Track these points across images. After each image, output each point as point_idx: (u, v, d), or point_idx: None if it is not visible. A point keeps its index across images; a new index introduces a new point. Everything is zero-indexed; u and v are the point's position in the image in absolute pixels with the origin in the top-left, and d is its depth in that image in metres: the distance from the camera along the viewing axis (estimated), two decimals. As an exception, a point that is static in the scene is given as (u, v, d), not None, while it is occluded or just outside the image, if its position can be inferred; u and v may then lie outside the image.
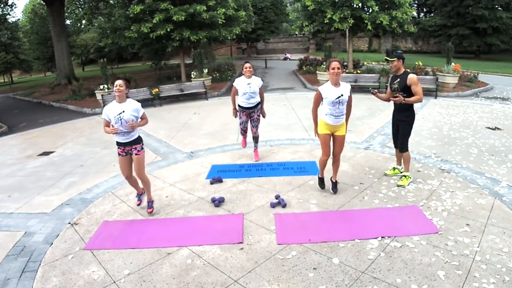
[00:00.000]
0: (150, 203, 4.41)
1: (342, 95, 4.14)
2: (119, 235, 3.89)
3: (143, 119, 4.21)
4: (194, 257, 3.41)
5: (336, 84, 4.18)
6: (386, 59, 4.60)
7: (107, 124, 4.11)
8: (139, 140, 4.23)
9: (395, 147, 4.98)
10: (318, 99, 4.28)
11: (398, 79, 4.51)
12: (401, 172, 4.96)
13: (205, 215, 4.26)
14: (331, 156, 4.54)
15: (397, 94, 4.52)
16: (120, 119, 3.99)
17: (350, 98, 4.29)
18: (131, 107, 4.07)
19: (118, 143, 4.17)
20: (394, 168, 5.12)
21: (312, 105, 4.38)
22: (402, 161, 4.90)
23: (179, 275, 3.16)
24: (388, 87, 4.80)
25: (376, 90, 4.62)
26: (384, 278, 2.95)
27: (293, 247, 3.46)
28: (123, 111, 4.00)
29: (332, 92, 4.15)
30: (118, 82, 4.01)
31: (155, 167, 6.08)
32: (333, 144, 4.45)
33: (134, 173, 4.38)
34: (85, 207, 4.69)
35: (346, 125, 4.46)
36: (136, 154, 4.19)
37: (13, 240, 3.94)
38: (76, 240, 3.86)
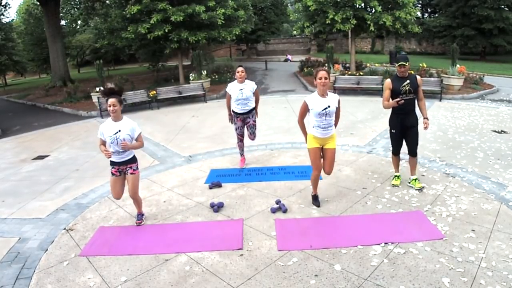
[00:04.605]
0: (140, 215, 4.27)
1: (329, 106, 3.99)
2: (116, 241, 3.82)
3: (138, 142, 4.00)
4: (193, 263, 3.36)
5: (323, 94, 4.03)
6: (403, 64, 4.38)
7: (103, 143, 3.96)
8: (134, 160, 4.06)
9: (396, 154, 4.84)
10: (304, 110, 4.14)
11: (408, 81, 4.44)
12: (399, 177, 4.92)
13: (204, 221, 4.19)
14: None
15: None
16: (116, 139, 3.83)
17: (338, 110, 4.15)
18: (127, 127, 3.89)
19: (113, 163, 3.99)
20: (398, 177, 4.91)
21: (298, 116, 4.26)
22: (399, 166, 4.98)
23: (177, 282, 3.11)
24: (386, 91, 4.52)
25: (403, 101, 4.36)
26: (388, 285, 2.90)
27: (294, 253, 3.41)
28: (119, 131, 3.83)
29: (319, 103, 4.00)
30: (111, 101, 3.74)
31: (152, 171, 6.00)
32: (324, 160, 4.28)
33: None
34: (80, 213, 4.61)
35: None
36: (131, 174, 4.03)
37: (6, 246, 3.87)
38: (72, 246, 3.79)
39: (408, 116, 4.58)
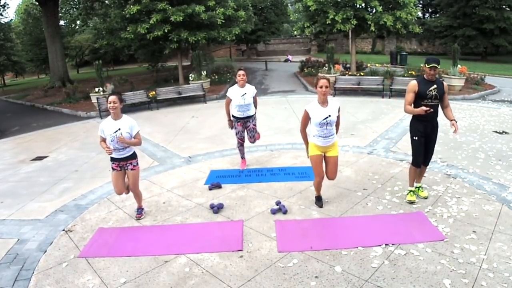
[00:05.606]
0: (140, 210, 4.44)
1: (329, 115, 3.97)
2: (115, 243, 3.81)
3: (136, 139, 4.11)
4: (192, 265, 3.35)
5: (324, 103, 4.02)
6: (435, 66, 3.93)
7: (103, 140, 4.08)
8: (134, 156, 4.20)
9: (418, 165, 4.32)
10: (306, 119, 4.12)
11: (435, 85, 4.03)
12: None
13: (203, 222, 4.18)
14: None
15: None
16: (116, 137, 3.94)
17: (338, 118, 4.13)
18: (126, 125, 4.01)
19: (113, 159, 4.12)
20: (414, 192, 4.46)
21: (300, 126, 4.24)
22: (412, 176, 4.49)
23: (176, 283, 3.10)
24: (410, 94, 4.09)
25: (431, 110, 4.02)
26: (388, 287, 2.89)
27: (294, 255, 3.40)
28: (119, 129, 3.95)
29: (319, 113, 3.98)
30: (112, 98, 3.92)
31: (151, 172, 5.98)
32: (326, 168, 4.26)
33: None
34: (79, 214, 4.60)
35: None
36: (131, 169, 4.17)
37: (5, 247, 3.86)
38: (71, 248, 3.78)
39: (431, 123, 4.20)
